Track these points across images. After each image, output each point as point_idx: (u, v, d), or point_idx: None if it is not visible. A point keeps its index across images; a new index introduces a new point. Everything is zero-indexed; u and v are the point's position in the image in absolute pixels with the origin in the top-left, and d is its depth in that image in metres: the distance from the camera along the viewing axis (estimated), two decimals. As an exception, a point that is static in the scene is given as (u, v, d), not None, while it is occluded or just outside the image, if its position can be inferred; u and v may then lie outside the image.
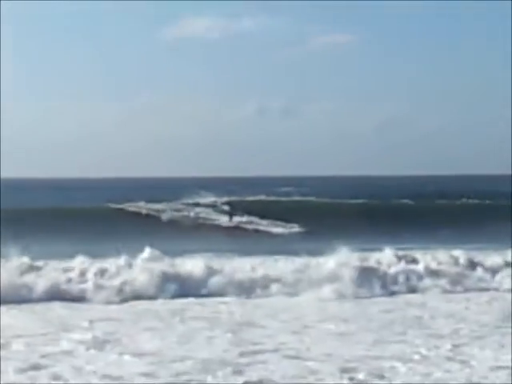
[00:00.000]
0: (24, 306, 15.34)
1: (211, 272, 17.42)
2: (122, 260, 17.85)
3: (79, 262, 17.84)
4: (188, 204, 37.92)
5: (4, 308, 14.93)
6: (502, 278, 18.25)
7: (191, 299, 16.33)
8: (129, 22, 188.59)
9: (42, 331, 12.79)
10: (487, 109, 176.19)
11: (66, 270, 17.39)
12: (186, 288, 16.89)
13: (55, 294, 16.30)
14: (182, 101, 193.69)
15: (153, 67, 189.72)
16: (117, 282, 16.91)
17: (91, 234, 26.99)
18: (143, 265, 17.77)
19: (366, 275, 17.75)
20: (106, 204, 37.92)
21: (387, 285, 17.61)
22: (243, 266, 17.83)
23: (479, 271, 18.69)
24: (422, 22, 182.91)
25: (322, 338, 12.38)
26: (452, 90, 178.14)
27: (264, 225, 33.66)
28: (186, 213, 36.17)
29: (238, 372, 10.11)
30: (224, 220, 35.01)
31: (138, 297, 16.50)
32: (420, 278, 18.04)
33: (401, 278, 17.94)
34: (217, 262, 18.11)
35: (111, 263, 17.78)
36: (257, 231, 32.69)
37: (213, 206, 37.76)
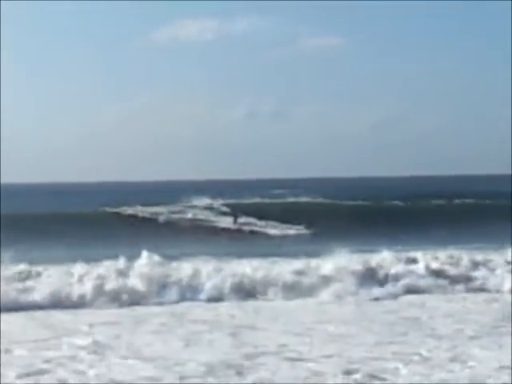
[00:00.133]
0: (24, 312, 15.30)
1: (211, 275, 17.41)
2: (121, 264, 17.81)
3: (78, 266, 17.82)
4: (189, 207, 37.98)
5: (4, 314, 14.89)
6: (502, 278, 18.27)
7: (191, 303, 16.34)
8: (124, 23, 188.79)
9: (44, 336, 12.79)
10: (483, 109, 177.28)
11: (65, 275, 17.34)
12: (186, 291, 16.89)
13: (55, 300, 16.25)
14: (177, 102, 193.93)
15: (147, 69, 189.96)
16: (116, 286, 16.87)
17: (89, 238, 27.02)
18: (142, 269, 17.73)
19: (366, 277, 17.81)
20: (103, 208, 37.93)
21: (387, 286, 17.62)
22: (245, 269, 17.80)
23: (479, 271, 18.71)
24: (415, 22, 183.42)
25: (323, 339, 12.41)
26: (446, 90, 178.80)
27: (268, 227, 33.68)
28: (186, 215, 36.20)
29: (241, 374, 10.15)
30: (228, 222, 35.01)
31: (137, 301, 16.48)
32: (420, 278, 18.06)
33: (401, 279, 17.96)
34: (217, 265, 18.10)
35: (110, 268, 17.75)
36: (260, 233, 32.69)
37: (213, 209, 37.80)
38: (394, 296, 17.03)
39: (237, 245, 26.57)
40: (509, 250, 19.81)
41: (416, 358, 11.05)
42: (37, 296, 16.22)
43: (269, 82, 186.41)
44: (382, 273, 18.18)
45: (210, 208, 38.26)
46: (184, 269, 17.77)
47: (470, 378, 10.00)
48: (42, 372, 10.39)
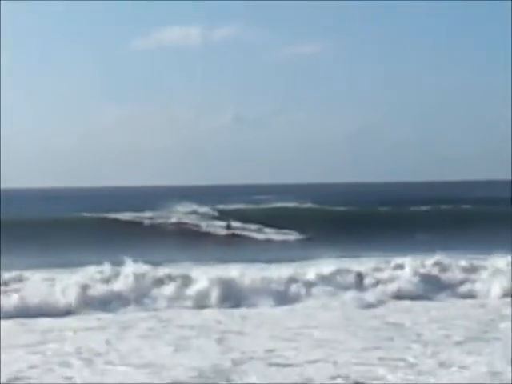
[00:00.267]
0: (8, 319, 15.13)
1: (198, 280, 17.39)
2: (106, 270, 17.78)
3: (63, 272, 17.73)
4: (177, 212, 37.93)
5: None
6: (489, 284, 18.35)
7: (177, 308, 16.33)
8: (105, 32, 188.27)
9: (30, 342, 12.75)
10: (461, 117, 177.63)
11: (49, 281, 17.27)
12: (173, 297, 16.86)
13: (40, 306, 16.13)
14: (161, 108, 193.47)
15: (131, 75, 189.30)
16: (102, 292, 16.83)
17: (73, 244, 26.86)
18: (128, 274, 17.69)
19: (353, 282, 17.86)
20: (86, 213, 37.83)
21: (374, 291, 17.64)
22: (231, 274, 17.79)
23: (465, 277, 18.80)
24: (392, 31, 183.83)
25: (310, 345, 12.45)
26: (420, 99, 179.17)
27: (258, 232, 33.71)
28: (173, 220, 36.17)
29: (230, 379, 10.19)
30: (221, 228, 35.00)
31: (123, 307, 16.39)
32: (406, 284, 18.12)
33: (387, 285, 18.01)
34: (204, 270, 18.09)
35: (95, 273, 17.70)
36: (251, 239, 32.72)
37: (200, 214, 37.75)
38: (381, 301, 17.06)
39: (225, 250, 26.60)
40: (492, 255, 19.94)
41: (402, 363, 11.11)
42: (21, 302, 16.11)
43: (252, 88, 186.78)
44: (368, 278, 18.23)
45: (195, 213, 38.24)
46: (170, 274, 17.74)
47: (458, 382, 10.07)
48: (29, 377, 10.37)
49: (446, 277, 18.77)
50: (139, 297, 16.80)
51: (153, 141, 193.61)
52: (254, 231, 33.96)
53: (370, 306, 16.63)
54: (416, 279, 18.34)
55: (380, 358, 11.37)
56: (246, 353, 11.78)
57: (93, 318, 15.37)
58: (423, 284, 18.19)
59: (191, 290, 17.11)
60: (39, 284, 17.00)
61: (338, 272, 18.15)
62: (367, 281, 18.11)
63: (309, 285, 17.53)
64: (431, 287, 18.12)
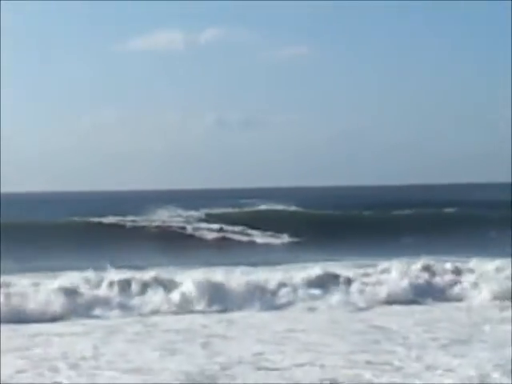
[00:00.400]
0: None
1: (184, 284, 17.37)
2: (91, 275, 17.74)
3: (46, 277, 17.67)
4: (168, 216, 37.90)
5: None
6: (474, 288, 18.45)
7: (163, 313, 16.31)
8: (90, 36, 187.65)
9: (16, 346, 12.72)
10: (446, 123, 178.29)
11: (34, 287, 17.18)
12: (158, 301, 16.84)
13: (23, 311, 16.06)
14: (145, 113, 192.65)
15: (114, 80, 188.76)
16: (86, 297, 16.78)
17: (58, 248, 26.81)
18: (113, 279, 17.67)
19: (339, 286, 17.90)
20: (72, 217, 37.71)
21: (360, 295, 17.68)
22: (218, 278, 17.80)
23: (450, 280, 18.91)
24: (380, 33, 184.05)
25: (297, 348, 12.49)
26: (409, 103, 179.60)
27: (251, 235, 33.74)
28: (161, 224, 36.15)
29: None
30: (207, 231, 35.01)
31: (108, 312, 16.34)
32: (392, 287, 18.17)
33: (373, 288, 18.06)
34: (189, 274, 18.07)
35: (80, 278, 17.68)
36: (243, 242, 32.78)
37: (189, 218, 37.72)
38: (368, 305, 17.12)
39: (211, 253, 26.62)
40: (473, 259, 20.07)
41: (389, 367, 11.16)
42: (6, 308, 16.02)
43: (237, 91, 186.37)
44: (355, 282, 18.27)
45: (180, 216, 38.21)
46: (156, 278, 17.72)
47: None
48: (17, 383, 10.35)
49: (432, 280, 18.84)
50: (124, 302, 16.77)
51: (139, 145, 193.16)
52: (244, 234, 33.98)
53: (356, 309, 16.68)
54: (402, 283, 18.39)
55: (367, 362, 11.42)
56: (234, 357, 11.80)
57: (78, 324, 15.31)
58: (409, 287, 18.24)
59: (177, 295, 17.09)
60: (25, 289, 16.90)
61: (325, 276, 18.22)
62: (354, 285, 18.14)
63: (295, 289, 17.57)
64: (417, 291, 18.17)
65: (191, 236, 34.33)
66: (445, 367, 11.10)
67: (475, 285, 18.54)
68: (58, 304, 16.35)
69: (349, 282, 18.25)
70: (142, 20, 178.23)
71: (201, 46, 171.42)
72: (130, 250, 26.08)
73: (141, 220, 36.77)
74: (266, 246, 31.92)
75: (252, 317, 15.87)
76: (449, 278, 19.03)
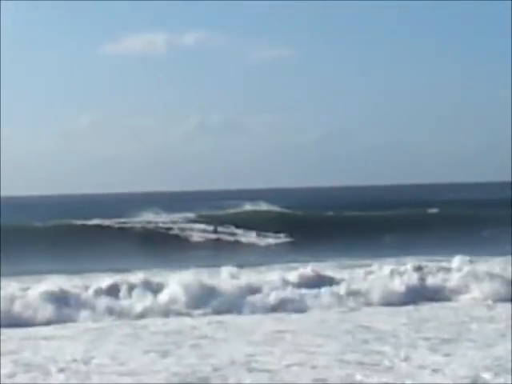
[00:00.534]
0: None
1: (169, 286, 17.35)
2: (79, 278, 17.71)
3: (32, 281, 17.61)
4: (153, 218, 37.86)
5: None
6: (461, 287, 18.56)
7: (152, 315, 16.26)
8: (69, 40, 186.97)
9: (5, 351, 12.65)
10: (430, 123, 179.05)
11: (22, 291, 17.08)
12: (147, 304, 16.79)
13: (13, 315, 15.97)
14: (125, 117, 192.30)
15: (95, 85, 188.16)
16: (75, 301, 16.72)
17: (44, 251, 26.78)
18: (101, 282, 17.64)
19: (325, 287, 17.94)
20: (58, 220, 37.59)
21: (346, 296, 17.71)
22: (208, 279, 17.80)
23: (437, 280, 18.98)
24: (365, 33, 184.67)
25: (288, 349, 12.51)
26: (392, 104, 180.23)
27: (248, 236, 33.76)
28: (149, 226, 36.13)
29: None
30: (208, 232, 35.01)
31: (96, 316, 16.27)
32: (377, 287, 18.22)
33: (359, 289, 18.09)
34: (173, 276, 18.04)
35: (68, 282, 17.62)
36: (239, 243, 32.80)
37: (176, 221, 37.68)
38: (357, 306, 17.17)
39: (200, 255, 26.63)
40: (455, 258, 20.19)
41: (380, 367, 11.21)
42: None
43: (218, 95, 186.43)
44: (343, 283, 18.29)
45: (164, 219, 38.19)
46: (144, 280, 17.69)
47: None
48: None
49: (420, 280, 18.87)
50: (113, 305, 16.70)
51: (119, 149, 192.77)
52: (233, 235, 34.00)
53: (346, 310, 16.74)
54: (391, 283, 18.45)
55: (358, 362, 11.47)
56: (225, 358, 11.80)
57: (66, 327, 15.25)
58: (398, 287, 18.29)
59: (165, 297, 17.05)
60: (13, 293, 16.81)
61: (314, 276, 18.25)
62: (342, 285, 18.16)
63: (285, 289, 17.58)
64: (406, 291, 18.23)
65: (178, 237, 34.32)
66: (435, 367, 11.17)
67: (463, 284, 18.63)
68: (45, 308, 16.27)
69: (337, 282, 18.28)
70: (122, 23, 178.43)
71: (182, 49, 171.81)
72: (117, 252, 26.02)
73: (127, 222, 36.71)
74: (254, 246, 31.97)
75: (241, 318, 15.88)
76: (437, 277, 19.08)
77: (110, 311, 16.43)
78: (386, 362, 11.47)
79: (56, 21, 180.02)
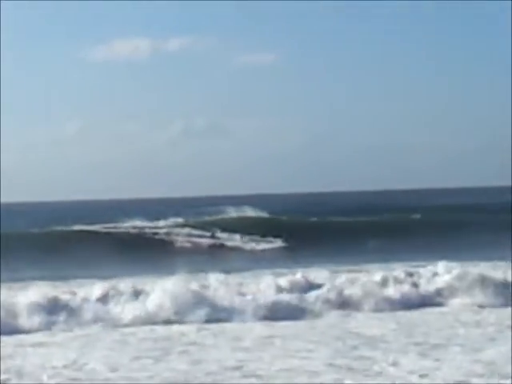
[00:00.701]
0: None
1: (154, 293, 17.32)
2: (68, 285, 17.66)
3: (20, 288, 17.53)
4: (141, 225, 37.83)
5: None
6: (448, 292, 18.64)
7: (140, 323, 16.22)
8: (53, 44, 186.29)
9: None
10: (412, 128, 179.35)
11: (8, 298, 16.99)
12: (136, 311, 16.75)
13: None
14: (109, 122, 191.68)
15: (78, 89, 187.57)
16: (63, 308, 16.67)
17: (31, 258, 26.67)
18: (89, 289, 17.60)
19: (313, 293, 17.97)
20: (42, 228, 37.51)
21: (335, 302, 17.77)
22: (196, 286, 17.77)
23: (423, 285, 19.05)
24: (348, 36, 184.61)
25: (279, 355, 12.55)
26: (380, 106, 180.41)
27: (244, 242, 33.79)
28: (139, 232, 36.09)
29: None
30: (206, 238, 35.01)
31: (84, 323, 16.20)
32: (366, 293, 18.26)
33: (348, 295, 18.14)
34: (160, 282, 18.02)
35: (55, 288, 17.55)
36: (226, 248, 32.82)
37: (163, 226, 37.65)
38: (346, 311, 17.22)
39: (188, 261, 26.54)
40: (440, 262, 20.28)
41: (370, 372, 11.28)
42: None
43: (204, 99, 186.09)
44: (331, 289, 18.33)
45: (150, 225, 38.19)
46: (131, 287, 17.66)
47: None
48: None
49: (409, 286, 18.95)
50: (101, 312, 16.67)
51: (102, 155, 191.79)
52: (238, 240, 34.02)
53: (335, 316, 16.78)
54: (380, 289, 18.51)
55: (348, 368, 11.53)
56: (217, 364, 11.83)
57: (55, 335, 15.17)
58: (386, 293, 18.36)
59: (153, 304, 17.00)
60: (2, 300, 16.72)
61: (303, 282, 18.29)
62: (332, 291, 18.18)
63: (275, 295, 17.61)
64: (395, 296, 18.31)
65: (164, 242, 34.30)
66: (424, 371, 11.24)
67: (452, 289, 18.71)
68: (33, 315, 16.21)
69: (327, 288, 18.29)
70: (105, 28, 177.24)
71: (166, 54, 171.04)
72: (103, 258, 25.93)
73: (113, 227, 36.66)
74: (241, 251, 31.99)
75: (230, 325, 15.88)
76: (426, 282, 19.16)
77: (98, 318, 16.39)
78: (376, 367, 11.54)
79: (39, 26, 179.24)
